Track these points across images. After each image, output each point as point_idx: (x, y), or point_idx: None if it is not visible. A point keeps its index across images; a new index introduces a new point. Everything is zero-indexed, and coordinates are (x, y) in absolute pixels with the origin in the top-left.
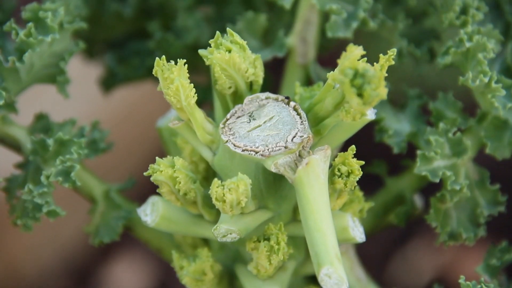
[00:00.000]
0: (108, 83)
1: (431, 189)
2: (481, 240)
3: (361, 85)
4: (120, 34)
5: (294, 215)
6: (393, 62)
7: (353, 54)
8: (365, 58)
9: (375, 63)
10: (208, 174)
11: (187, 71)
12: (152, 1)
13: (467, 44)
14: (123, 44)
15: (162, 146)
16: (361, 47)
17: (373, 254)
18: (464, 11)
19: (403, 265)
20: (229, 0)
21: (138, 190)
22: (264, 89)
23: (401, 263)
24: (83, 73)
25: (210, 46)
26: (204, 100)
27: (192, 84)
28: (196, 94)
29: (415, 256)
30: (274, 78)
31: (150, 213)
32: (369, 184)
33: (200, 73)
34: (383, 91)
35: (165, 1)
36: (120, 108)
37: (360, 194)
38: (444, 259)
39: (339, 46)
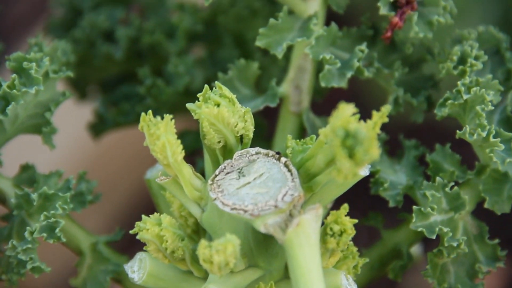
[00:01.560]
0: (98, 128)
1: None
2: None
3: (352, 146)
4: (111, 76)
5: (286, 272)
6: (387, 120)
7: (345, 113)
8: (358, 116)
9: (368, 120)
10: (198, 228)
11: (178, 116)
12: (143, 44)
13: (465, 96)
14: (114, 87)
15: (151, 196)
16: (352, 105)
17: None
18: (462, 60)
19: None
20: (222, 43)
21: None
22: (257, 136)
23: (408, 286)
24: (73, 115)
25: (199, 99)
26: (196, 146)
27: (179, 140)
28: (183, 150)
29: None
30: (267, 125)
31: (138, 270)
32: (364, 235)
33: (192, 119)
34: (375, 152)
35: (156, 44)
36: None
37: (354, 250)
38: None
39: (336, 91)
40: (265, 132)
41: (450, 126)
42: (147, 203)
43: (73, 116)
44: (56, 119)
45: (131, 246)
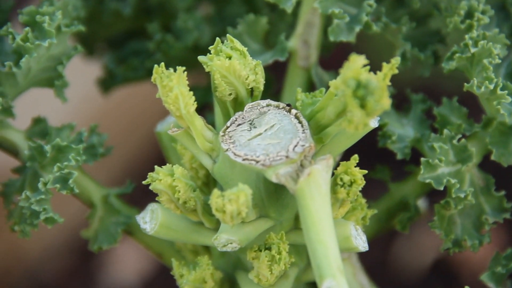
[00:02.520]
0: (107, 83)
1: (435, 192)
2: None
3: (363, 96)
4: (119, 33)
5: (296, 223)
6: (396, 71)
7: (356, 64)
8: (368, 67)
9: (378, 72)
10: (208, 180)
11: (187, 72)
12: (152, 0)
13: (472, 50)
14: (122, 44)
15: (161, 149)
16: (363, 56)
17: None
18: (469, 14)
19: (407, 245)
20: (230, 0)
21: (138, 189)
22: (265, 91)
23: (405, 243)
24: (82, 71)
25: (210, 50)
26: (206, 102)
27: (191, 92)
28: (195, 102)
29: (419, 236)
30: (276, 80)
31: (149, 221)
32: (372, 188)
33: (202, 74)
34: (386, 102)
35: (165, 0)
36: (120, 106)
37: (363, 201)
38: None
39: (342, 47)
40: (273, 87)
41: (454, 84)
42: (157, 157)
43: (83, 73)
44: (66, 74)
45: (141, 200)
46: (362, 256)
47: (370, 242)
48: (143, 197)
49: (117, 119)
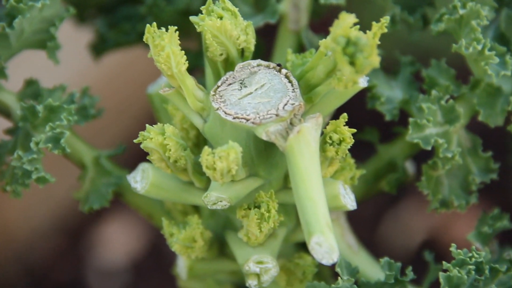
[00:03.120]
0: (99, 48)
1: (423, 156)
2: (474, 204)
3: (353, 53)
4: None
5: (285, 183)
6: (386, 30)
7: (346, 22)
8: (358, 26)
9: (367, 31)
10: (199, 141)
11: (179, 37)
12: None
13: (461, 11)
14: (114, 9)
15: (153, 112)
16: (353, 15)
17: (365, 215)
18: None
19: (395, 226)
20: None
21: (129, 155)
22: (256, 55)
23: (392, 224)
24: (74, 37)
25: (202, 12)
26: (196, 66)
27: (183, 51)
28: (187, 61)
29: (407, 217)
30: (266, 45)
31: (140, 180)
32: (361, 150)
33: (192, 39)
34: (375, 60)
35: None
36: (111, 73)
37: (351, 161)
38: (436, 220)
39: (332, 12)
40: (263, 51)
41: (443, 47)
42: (149, 121)
43: (75, 37)
44: (59, 39)
45: (132, 163)
46: None
47: (357, 223)
48: (134, 160)
49: (109, 83)
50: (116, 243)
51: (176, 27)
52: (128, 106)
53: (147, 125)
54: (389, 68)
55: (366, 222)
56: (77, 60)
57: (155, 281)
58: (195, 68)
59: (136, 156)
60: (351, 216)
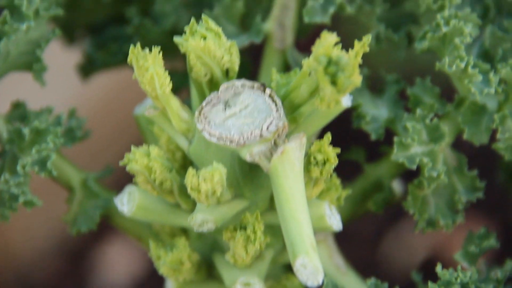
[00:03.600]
0: (87, 69)
1: (411, 174)
2: (477, 220)
3: (334, 73)
4: (99, 19)
5: (271, 204)
6: (367, 49)
7: (327, 41)
8: (340, 45)
9: (350, 50)
10: (185, 162)
11: (165, 56)
12: None
13: (444, 29)
14: (102, 30)
15: (140, 134)
16: (335, 34)
17: (366, 233)
18: None
19: (396, 244)
20: None
21: (117, 178)
22: (242, 74)
23: (394, 241)
24: (62, 58)
25: (185, 32)
26: (182, 86)
27: (167, 72)
28: (171, 82)
29: (408, 235)
30: (252, 63)
31: (127, 203)
32: (347, 169)
33: (178, 59)
34: (357, 79)
35: None
36: (98, 94)
37: (337, 181)
38: (437, 238)
39: (318, 31)
40: (249, 70)
41: (428, 65)
42: (136, 142)
43: (62, 58)
44: (46, 60)
45: (119, 184)
46: (349, 256)
47: (358, 240)
48: (122, 181)
49: (97, 104)
50: (118, 263)
51: (159, 48)
52: (116, 128)
53: (132, 147)
54: (374, 86)
55: (367, 240)
56: (64, 81)
57: None
58: (182, 88)
59: (124, 178)
60: (351, 236)
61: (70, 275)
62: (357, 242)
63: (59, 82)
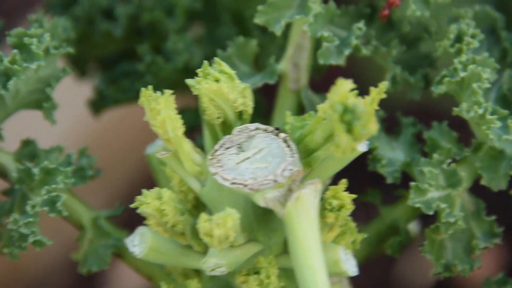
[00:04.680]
0: (98, 105)
1: (428, 215)
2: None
3: (350, 121)
4: (110, 54)
5: (285, 247)
6: (384, 96)
7: (343, 89)
8: (356, 91)
9: (366, 96)
10: (198, 203)
11: (177, 93)
12: (142, 21)
13: (462, 74)
14: (113, 65)
15: (151, 172)
16: (350, 81)
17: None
18: (458, 38)
19: (410, 265)
20: (220, 21)
21: (128, 215)
22: (256, 114)
23: (407, 263)
24: (74, 93)
25: (198, 75)
26: (195, 124)
27: (179, 115)
28: (184, 124)
29: (422, 256)
30: (266, 103)
31: (138, 244)
32: (363, 211)
33: (192, 95)
34: (373, 127)
35: (155, 22)
36: (110, 130)
37: (352, 225)
38: None
39: (334, 70)
40: (263, 110)
41: (446, 106)
42: (147, 180)
43: (73, 94)
44: (56, 96)
45: (130, 223)
46: (364, 276)
47: (371, 262)
48: (133, 220)
49: (108, 142)
50: (128, 280)
51: (171, 91)
52: (128, 162)
53: (143, 190)
54: (390, 128)
55: (381, 261)
56: (76, 116)
57: None
58: (195, 126)
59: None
60: None
61: None
62: (371, 262)
63: (69, 117)
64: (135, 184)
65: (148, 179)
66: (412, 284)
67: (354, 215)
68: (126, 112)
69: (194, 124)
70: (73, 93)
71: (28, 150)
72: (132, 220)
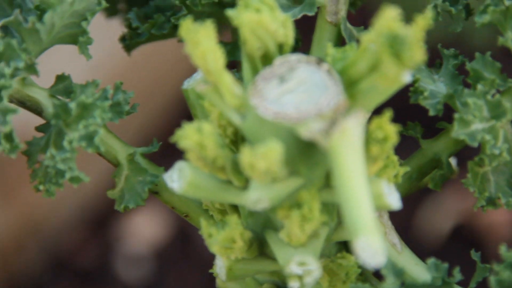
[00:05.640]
0: (131, 42)
1: (465, 151)
2: None
3: (398, 48)
4: None
5: (327, 181)
6: (431, 23)
7: (389, 15)
8: (401, 19)
9: (412, 24)
10: (237, 138)
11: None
12: None
13: (507, 3)
14: (146, 1)
15: (188, 107)
16: (396, 7)
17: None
18: None
19: (432, 209)
20: None
21: (164, 150)
22: (293, 48)
23: (430, 206)
24: (106, 29)
25: (235, 4)
26: (231, 59)
27: (220, 46)
28: (223, 56)
29: (446, 200)
30: (303, 37)
31: (177, 180)
32: (402, 146)
33: (226, 31)
34: (421, 54)
35: None
36: (145, 66)
37: (395, 158)
38: (470, 202)
39: (366, 4)
40: (301, 45)
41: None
42: (183, 116)
43: (106, 30)
44: (90, 31)
45: (165, 159)
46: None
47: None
48: (169, 156)
49: (142, 77)
50: (144, 231)
51: (212, 21)
52: (163, 98)
53: (183, 123)
54: (431, 61)
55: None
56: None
57: (183, 269)
58: (231, 61)
59: (171, 149)
60: None
61: (96, 243)
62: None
63: (103, 55)
64: (171, 119)
65: (184, 114)
66: (430, 232)
67: (395, 149)
68: (160, 47)
69: (230, 60)
70: (105, 29)
71: (63, 86)
72: (167, 157)
